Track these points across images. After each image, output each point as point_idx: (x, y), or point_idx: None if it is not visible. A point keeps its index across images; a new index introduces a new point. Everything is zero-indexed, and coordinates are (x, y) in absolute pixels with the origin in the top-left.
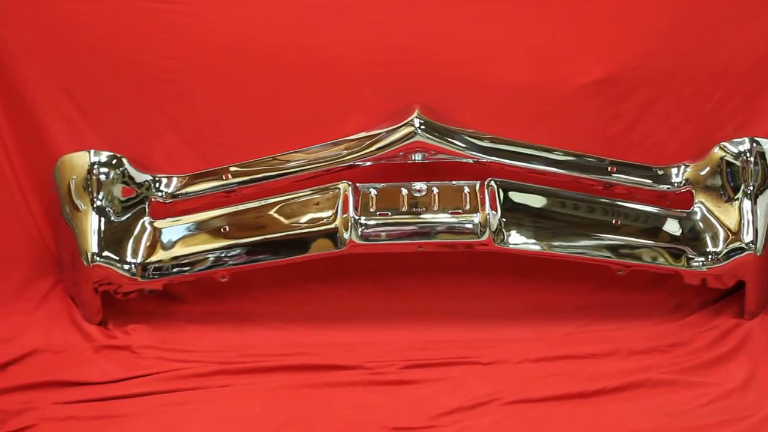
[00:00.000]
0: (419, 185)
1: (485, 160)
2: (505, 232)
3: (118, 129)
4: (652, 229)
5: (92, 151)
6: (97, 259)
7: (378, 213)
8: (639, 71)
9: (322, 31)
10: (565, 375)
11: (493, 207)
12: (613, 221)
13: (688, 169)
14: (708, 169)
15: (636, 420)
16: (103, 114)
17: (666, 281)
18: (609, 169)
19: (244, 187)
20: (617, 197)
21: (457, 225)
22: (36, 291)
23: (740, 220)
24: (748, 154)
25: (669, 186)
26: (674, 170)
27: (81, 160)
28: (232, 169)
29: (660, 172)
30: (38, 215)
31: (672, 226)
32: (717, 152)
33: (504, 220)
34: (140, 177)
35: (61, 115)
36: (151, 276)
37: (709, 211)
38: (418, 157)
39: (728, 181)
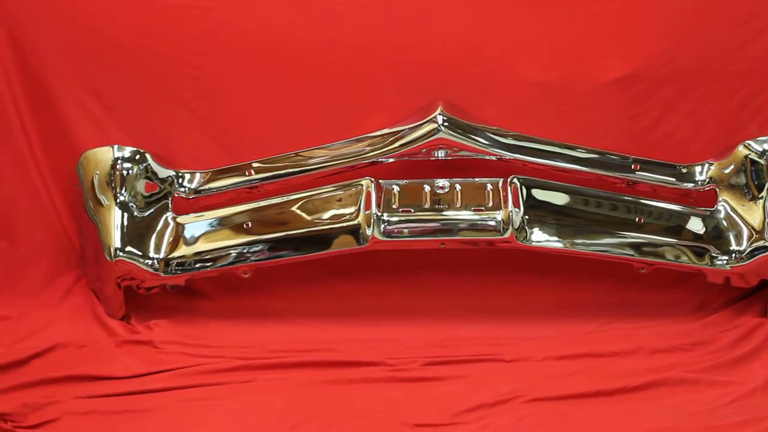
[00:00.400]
0: (442, 182)
1: (508, 158)
2: (527, 230)
3: (142, 125)
4: (675, 227)
5: (116, 147)
6: (120, 254)
7: (400, 210)
8: (663, 68)
9: (346, 28)
10: (587, 373)
11: (515, 204)
12: (636, 219)
13: (712, 167)
14: (732, 167)
15: (658, 419)
16: (128, 110)
17: (689, 280)
18: (632, 166)
19: (267, 183)
20: (640, 195)
21: (479, 222)
22: (59, 286)
23: (764, 218)
24: None
25: (693, 184)
26: (698, 168)
27: (104, 155)
28: (255, 165)
29: (684, 170)
30: (62, 210)
31: (695, 225)
32: (741, 150)
33: (527, 217)
34: (163, 172)
35: (86, 110)
36: (174, 271)
37: (732, 209)
38: (441, 154)
39: (752, 180)
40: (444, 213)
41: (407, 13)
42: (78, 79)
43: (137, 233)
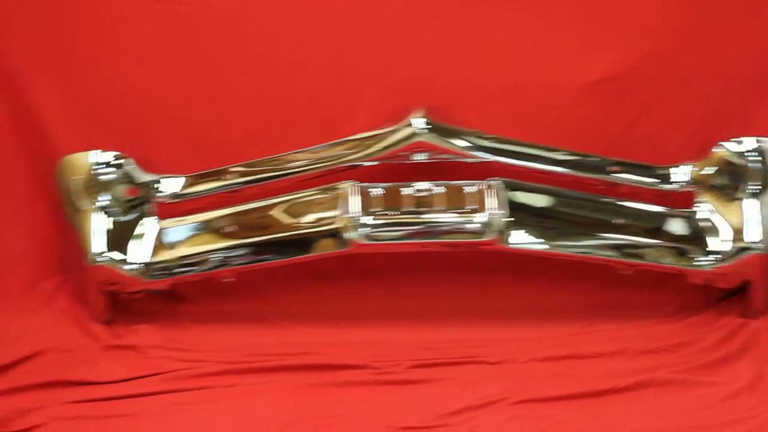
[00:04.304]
0: (423, 185)
1: (489, 160)
2: (509, 232)
3: (122, 130)
4: (656, 228)
5: (95, 152)
6: (101, 259)
7: (382, 213)
8: (642, 70)
9: (327, 32)
10: (572, 375)
11: (497, 207)
12: (618, 221)
13: (692, 169)
14: (712, 168)
15: (643, 419)
16: (107, 114)
17: (671, 281)
18: (612, 168)
19: (248, 187)
20: (621, 197)
21: (461, 225)
22: (42, 291)
23: (744, 219)
24: (751, 153)
25: (673, 185)
26: (677, 170)
27: (84, 160)
28: (236, 169)
29: (663, 172)
30: (44, 215)
31: (676, 226)
32: (720, 151)
33: (508, 219)
34: (143, 177)
35: (65, 115)
36: (157, 276)
37: (713, 210)
38: (422, 157)
39: (732, 180)
40: (425, 216)
41: (387, 17)
42: (57, 84)
43: (118, 238)
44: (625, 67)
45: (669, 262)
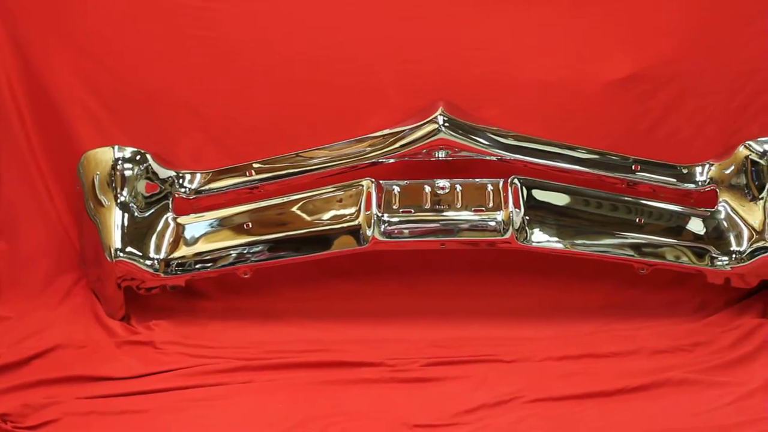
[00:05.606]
0: (442, 183)
1: (509, 158)
2: (528, 230)
3: (143, 125)
4: (675, 227)
5: (116, 147)
6: (120, 254)
7: (401, 210)
8: (665, 69)
9: (347, 28)
10: (588, 374)
11: (516, 205)
12: (637, 220)
13: (713, 168)
14: (733, 167)
15: (658, 419)
16: (128, 110)
17: (689, 280)
18: (633, 167)
19: (268, 184)
20: (641, 196)
21: (480, 223)
22: (59, 286)
23: (765, 219)
24: None
25: (693, 185)
26: (698, 169)
27: (105, 155)
28: (256, 165)
29: (684, 171)
30: (62, 211)
31: (696, 225)
32: (742, 151)
33: (527, 218)
34: (164, 173)
35: (86, 111)
36: (174, 272)
37: (733, 210)
38: (441, 155)
39: (753, 180)
40: (444, 213)
41: (408, 12)
42: (79, 80)
43: (138, 234)
44: (648, 65)
45: (687, 261)
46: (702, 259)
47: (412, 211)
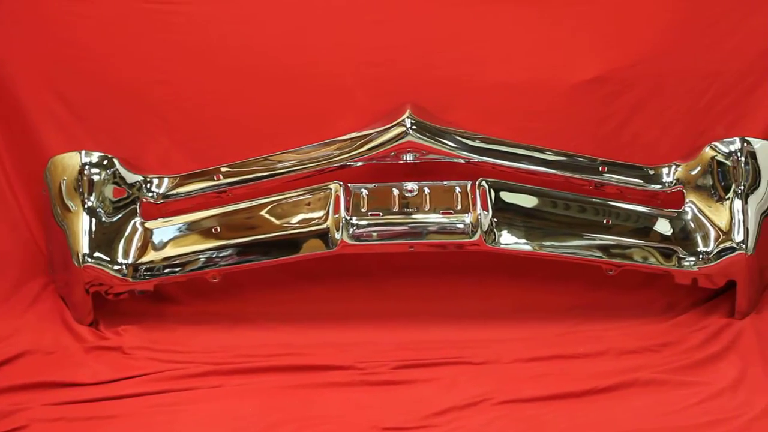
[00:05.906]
0: (410, 185)
1: (476, 160)
2: (496, 232)
3: (110, 130)
4: (643, 228)
5: (83, 152)
6: (88, 260)
7: (369, 213)
8: (631, 70)
9: (313, 31)
10: (557, 375)
11: (484, 207)
12: (604, 221)
13: (679, 169)
14: (699, 168)
15: (627, 419)
16: (95, 114)
17: (657, 281)
18: (600, 168)
19: (236, 188)
20: (608, 197)
21: (448, 225)
22: (27, 292)
23: (731, 219)
24: (738, 154)
25: (660, 186)
26: (665, 170)
27: (72, 160)
28: (224, 169)
29: (651, 172)
30: (29, 216)
31: (663, 226)
32: (708, 152)
33: (495, 220)
34: (131, 177)
35: (53, 115)
36: (143, 277)
37: (700, 210)
38: (409, 157)
39: (719, 181)
40: (413, 216)
41: (375, 16)
42: (44, 84)
43: (105, 239)
44: (614, 67)
45: (655, 262)
46: (669, 259)
47: (381, 214)
